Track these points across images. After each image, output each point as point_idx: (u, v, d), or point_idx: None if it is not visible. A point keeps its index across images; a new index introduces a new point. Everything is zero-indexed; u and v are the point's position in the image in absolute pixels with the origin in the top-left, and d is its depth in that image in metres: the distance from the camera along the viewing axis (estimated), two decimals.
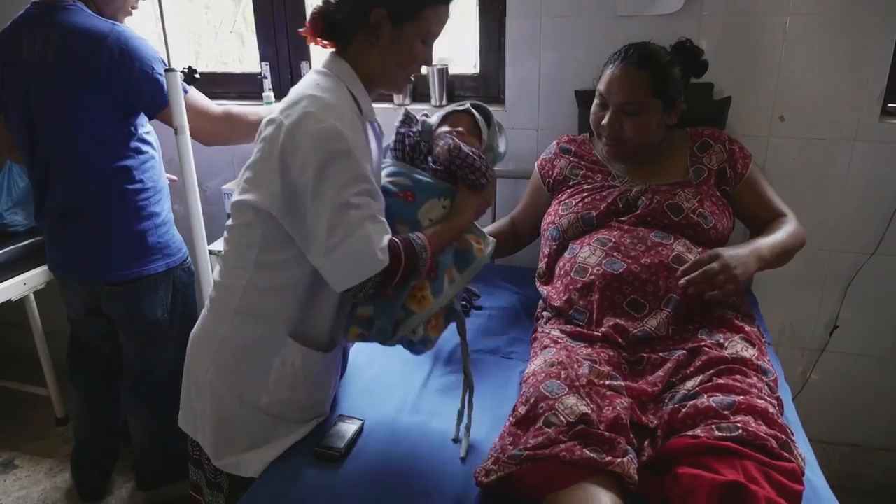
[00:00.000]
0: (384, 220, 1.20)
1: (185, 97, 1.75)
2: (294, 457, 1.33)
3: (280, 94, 2.31)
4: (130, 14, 1.84)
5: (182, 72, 1.69)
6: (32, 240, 2.35)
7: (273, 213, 1.21)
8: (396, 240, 1.20)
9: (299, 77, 2.32)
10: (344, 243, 1.14)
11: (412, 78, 1.35)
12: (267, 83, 2.33)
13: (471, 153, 1.29)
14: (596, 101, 1.67)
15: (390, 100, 2.24)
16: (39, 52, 1.69)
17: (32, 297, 2.42)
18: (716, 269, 1.37)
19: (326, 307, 1.32)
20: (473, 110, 1.41)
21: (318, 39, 1.28)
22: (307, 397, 1.38)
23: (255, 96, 2.33)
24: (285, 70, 2.37)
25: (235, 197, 1.27)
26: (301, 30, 1.28)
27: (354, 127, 1.19)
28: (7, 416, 2.72)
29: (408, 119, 1.41)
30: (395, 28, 1.22)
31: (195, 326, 1.38)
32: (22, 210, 2.41)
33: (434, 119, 1.40)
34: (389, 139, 1.41)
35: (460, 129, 1.35)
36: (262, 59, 2.37)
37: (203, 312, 1.37)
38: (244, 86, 2.41)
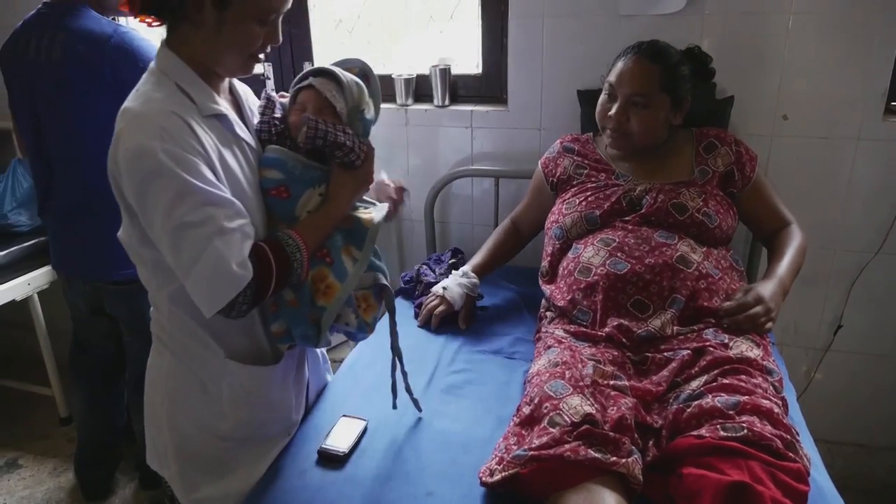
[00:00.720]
0: (241, 224, 1.07)
1: None
2: (298, 457, 1.33)
3: None
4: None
5: None
6: (36, 240, 2.36)
7: (140, 246, 1.13)
8: (263, 244, 1.10)
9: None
10: (195, 267, 1.03)
11: (261, 57, 1.17)
12: (270, 84, 2.33)
13: (330, 129, 1.17)
14: (604, 93, 1.67)
15: (392, 100, 2.24)
16: (46, 51, 1.71)
17: (36, 297, 2.42)
18: (760, 313, 1.42)
19: (246, 322, 1.20)
20: (316, 83, 1.22)
21: (141, 15, 1.11)
22: (269, 413, 1.32)
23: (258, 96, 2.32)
24: (288, 70, 2.37)
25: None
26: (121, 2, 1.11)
27: (175, 132, 1.04)
28: (11, 415, 2.72)
29: (270, 104, 1.25)
30: (218, 9, 1.06)
31: (147, 360, 1.31)
32: (26, 210, 2.42)
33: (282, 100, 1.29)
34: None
35: (307, 112, 1.20)
36: (265, 59, 2.37)
37: (151, 348, 1.30)
38: (247, 86, 2.41)
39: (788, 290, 1.55)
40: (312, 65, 2.32)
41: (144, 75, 1.13)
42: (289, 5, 1.14)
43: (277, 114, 1.25)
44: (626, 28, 1.93)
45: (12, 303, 2.28)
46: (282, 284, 1.13)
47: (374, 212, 1.28)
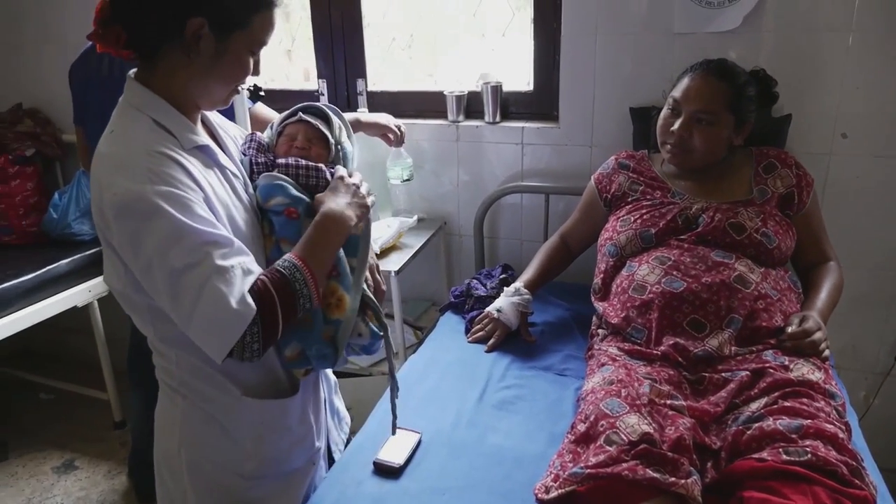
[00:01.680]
0: (240, 262, 1.01)
1: (253, 109, 1.81)
2: (353, 468, 1.34)
3: None
4: None
5: (248, 89, 1.74)
6: (98, 249, 2.44)
7: (134, 293, 1.07)
8: (262, 276, 1.04)
9: (355, 94, 2.38)
10: (196, 311, 0.98)
11: (239, 90, 1.15)
12: (323, 100, 2.39)
13: (311, 167, 1.20)
14: (667, 109, 1.66)
15: (443, 116, 2.26)
16: (116, 68, 1.79)
17: (96, 304, 2.51)
18: (821, 339, 1.42)
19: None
20: (305, 116, 1.27)
21: (124, 51, 1.05)
22: (292, 445, 1.26)
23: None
24: (342, 87, 2.42)
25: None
26: (88, 34, 1.05)
27: (163, 171, 0.99)
28: (69, 417, 2.81)
29: (261, 147, 1.26)
30: (219, 40, 1.02)
31: (156, 407, 1.24)
32: (88, 220, 2.52)
33: (267, 134, 1.30)
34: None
35: (298, 141, 1.24)
36: (320, 76, 2.43)
37: (159, 392, 1.24)
38: (302, 102, 2.46)
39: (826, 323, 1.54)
40: (366, 82, 2.37)
41: (114, 114, 1.07)
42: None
43: (271, 155, 1.25)
44: (680, 46, 1.93)
45: (73, 309, 2.36)
46: (291, 312, 1.05)
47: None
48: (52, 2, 2.61)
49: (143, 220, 0.96)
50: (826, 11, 1.79)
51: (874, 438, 1.51)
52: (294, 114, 1.29)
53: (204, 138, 1.11)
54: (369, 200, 1.24)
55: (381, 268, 1.96)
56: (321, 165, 1.23)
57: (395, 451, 1.35)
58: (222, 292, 0.97)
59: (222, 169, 1.13)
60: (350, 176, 1.24)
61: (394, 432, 1.36)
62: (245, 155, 1.24)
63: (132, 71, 1.09)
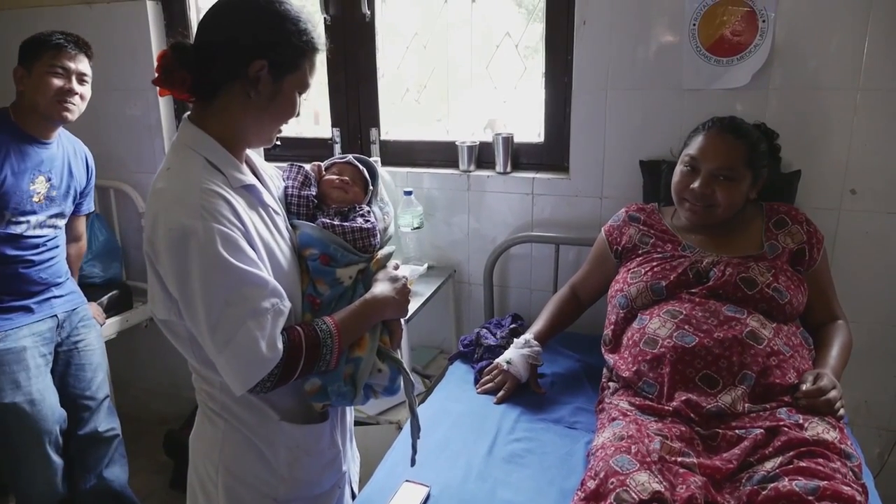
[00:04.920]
0: (274, 304, 1.08)
1: None
2: None
3: None
4: None
5: None
6: (109, 294, 2.47)
7: (179, 320, 1.12)
8: (298, 328, 1.12)
9: (368, 142, 2.42)
10: (228, 346, 1.05)
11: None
12: (337, 148, 2.43)
13: (356, 229, 1.27)
14: (683, 167, 1.68)
15: (455, 166, 2.30)
16: None
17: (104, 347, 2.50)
18: (836, 397, 1.41)
19: (297, 381, 1.18)
20: (356, 161, 1.37)
21: (178, 94, 1.13)
22: (322, 469, 1.32)
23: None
24: (354, 134, 2.46)
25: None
26: (154, 79, 1.12)
27: (215, 209, 1.06)
28: None
29: (307, 180, 1.32)
30: (275, 81, 1.12)
31: (192, 431, 1.29)
32: (100, 263, 2.54)
33: (309, 167, 1.36)
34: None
35: (345, 177, 1.33)
36: (334, 125, 2.47)
37: (197, 415, 1.29)
38: (315, 150, 2.51)
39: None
40: (379, 131, 2.42)
41: (169, 152, 1.16)
42: None
43: (313, 190, 1.31)
44: (689, 102, 1.96)
45: None
46: (310, 369, 1.14)
47: (381, 251, 1.33)
48: None
49: (193, 253, 1.03)
50: (833, 71, 1.83)
51: (890, 497, 1.48)
52: (345, 156, 1.40)
53: (250, 178, 1.17)
54: (410, 291, 1.34)
55: None
56: (375, 228, 1.29)
57: None
58: (255, 336, 1.04)
59: (266, 207, 1.19)
60: (396, 268, 1.34)
61: (412, 464, 1.38)
62: (287, 184, 1.30)
63: (187, 114, 1.17)
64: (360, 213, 1.30)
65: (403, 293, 1.30)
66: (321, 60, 1.20)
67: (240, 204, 1.11)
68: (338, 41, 2.37)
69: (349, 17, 2.35)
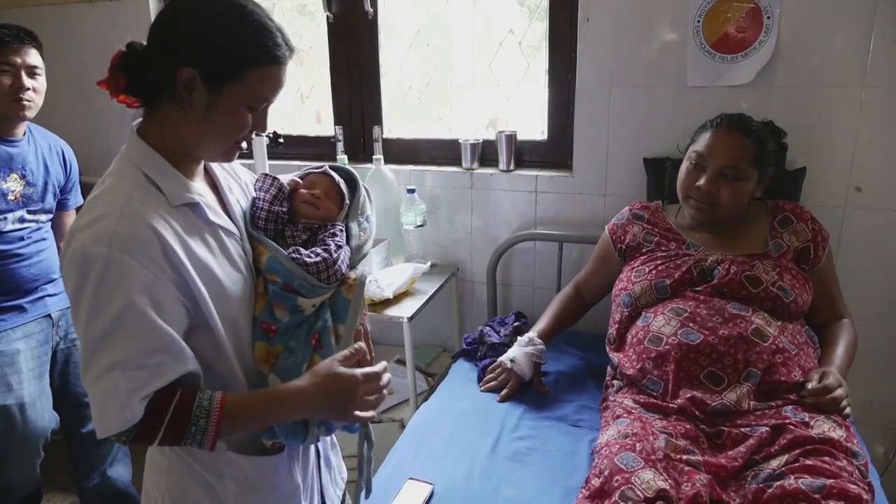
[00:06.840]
0: (157, 361, 0.97)
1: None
2: None
3: (352, 156, 2.40)
4: None
5: (268, 136, 1.78)
6: None
7: None
8: (175, 392, 0.98)
9: (371, 141, 2.41)
10: (91, 388, 0.96)
11: (243, 146, 1.10)
12: (340, 146, 2.42)
13: (329, 262, 1.13)
14: (689, 164, 1.67)
15: (458, 164, 2.30)
16: None
17: None
18: (842, 396, 1.40)
19: None
20: (332, 172, 1.24)
21: (120, 96, 1.05)
22: (278, 503, 1.19)
23: (329, 158, 2.41)
24: (357, 133, 2.46)
25: None
26: (100, 80, 1.05)
27: (128, 235, 0.95)
28: None
29: (280, 194, 1.19)
30: (212, 92, 0.99)
31: (147, 456, 1.19)
32: None
33: (286, 178, 1.24)
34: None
35: (316, 191, 1.21)
36: (336, 123, 2.47)
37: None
38: (318, 148, 2.51)
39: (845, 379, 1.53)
40: (381, 129, 2.41)
41: (113, 163, 1.06)
42: (278, 95, 1.08)
43: (285, 206, 1.19)
44: (693, 99, 1.95)
45: None
46: (175, 441, 0.99)
47: (356, 276, 1.18)
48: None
49: (88, 282, 0.94)
50: (838, 68, 1.82)
51: None
52: (321, 166, 1.27)
53: (195, 195, 1.06)
54: (385, 392, 1.15)
55: (394, 313, 1.98)
56: (338, 260, 1.14)
57: (407, 502, 1.33)
58: (117, 387, 0.94)
59: (211, 226, 1.08)
60: (384, 371, 1.15)
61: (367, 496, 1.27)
62: (257, 195, 1.20)
63: (136, 122, 1.09)
64: (330, 231, 1.19)
65: (349, 392, 1.08)
66: (296, 60, 1.07)
67: (174, 226, 1.01)
68: (340, 39, 2.37)
69: (352, 15, 2.34)
